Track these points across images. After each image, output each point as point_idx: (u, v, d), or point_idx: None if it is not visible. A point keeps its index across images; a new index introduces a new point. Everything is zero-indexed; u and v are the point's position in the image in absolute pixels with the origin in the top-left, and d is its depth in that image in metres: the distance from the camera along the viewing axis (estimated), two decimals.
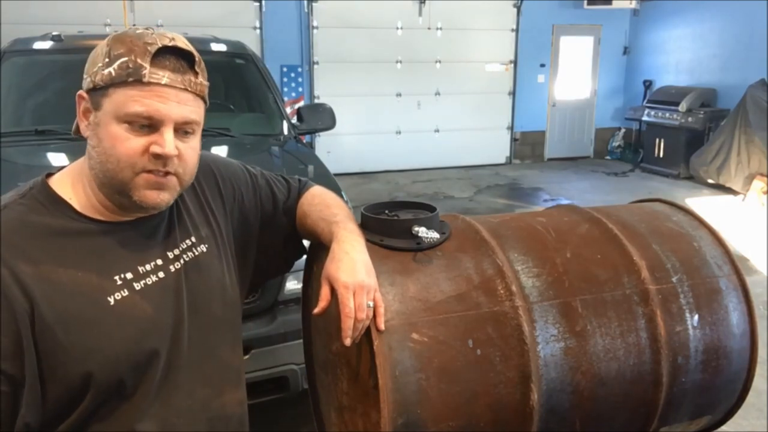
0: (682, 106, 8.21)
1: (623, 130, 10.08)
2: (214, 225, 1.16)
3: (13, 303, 0.89)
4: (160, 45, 0.94)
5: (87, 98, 0.97)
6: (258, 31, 8.03)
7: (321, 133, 6.45)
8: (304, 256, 1.41)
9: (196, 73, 0.98)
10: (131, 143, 0.94)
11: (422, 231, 1.21)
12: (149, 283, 1.01)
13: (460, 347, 1.11)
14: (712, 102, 8.40)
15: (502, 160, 9.66)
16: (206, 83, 1.01)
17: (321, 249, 1.22)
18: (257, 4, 7.98)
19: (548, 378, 1.15)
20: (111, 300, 0.96)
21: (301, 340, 1.50)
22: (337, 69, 8.44)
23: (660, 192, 7.44)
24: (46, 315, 0.90)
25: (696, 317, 1.28)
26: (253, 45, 6.68)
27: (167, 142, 0.94)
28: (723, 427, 1.44)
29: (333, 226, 1.17)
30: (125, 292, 0.98)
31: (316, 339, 1.43)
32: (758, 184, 6.96)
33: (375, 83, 8.69)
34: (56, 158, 2.86)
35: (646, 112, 8.92)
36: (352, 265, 1.08)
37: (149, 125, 0.94)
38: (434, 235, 1.21)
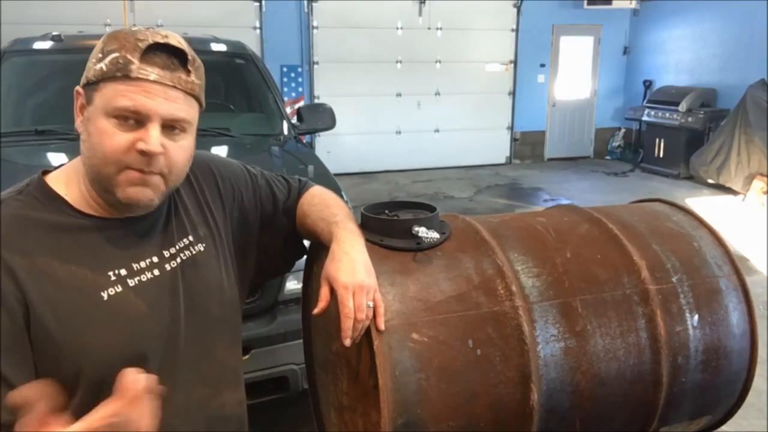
0: (682, 106, 8.21)
1: (623, 130, 10.08)
2: (212, 225, 1.16)
3: (8, 296, 0.89)
4: (152, 42, 0.94)
5: (82, 94, 0.98)
6: (258, 31, 8.03)
7: (321, 133, 6.45)
8: (304, 256, 1.41)
9: (188, 72, 0.98)
10: (117, 138, 0.94)
11: (422, 231, 1.21)
12: (144, 280, 1.01)
13: (460, 347, 1.11)
14: (712, 102, 8.40)
15: (502, 160, 9.66)
16: (198, 82, 1.00)
17: (321, 249, 1.22)
18: (257, 4, 7.98)
19: (548, 378, 1.15)
20: (104, 295, 0.96)
21: (301, 340, 1.50)
22: (337, 69, 8.44)
23: (660, 192, 7.44)
24: (40, 307, 0.91)
25: (696, 317, 1.28)
26: (253, 45, 6.68)
27: (152, 138, 0.94)
28: (723, 427, 1.44)
29: (333, 226, 1.17)
30: (119, 288, 0.98)
31: (316, 339, 1.43)
32: (758, 184, 6.96)
33: (375, 83, 8.69)
34: (56, 158, 2.86)
35: (646, 112, 8.92)
36: (352, 265, 1.07)
37: (136, 121, 0.94)
38: (434, 235, 1.21)
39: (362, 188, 7.76)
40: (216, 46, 3.87)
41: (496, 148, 9.61)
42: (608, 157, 10.12)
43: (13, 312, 0.89)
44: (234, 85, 3.93)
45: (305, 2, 8.15)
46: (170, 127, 0.97)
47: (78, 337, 0.93)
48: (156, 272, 1.03)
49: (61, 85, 3.29)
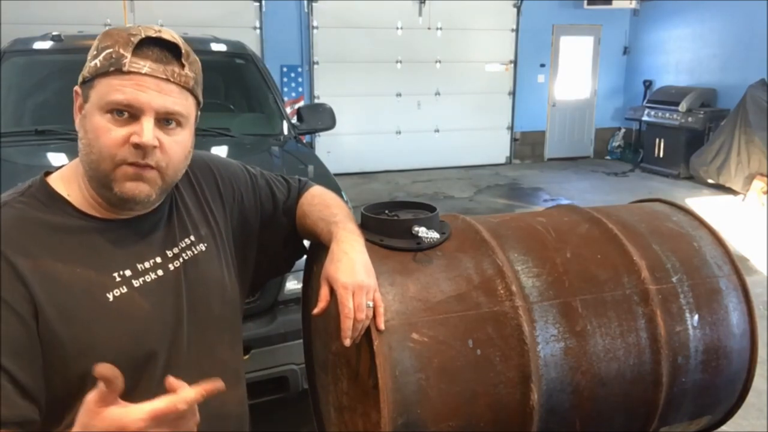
0: (682, 106, 8.21)
1: (623, 130, 10.08)
2: (213, 224, 1.16)
3: (16, 297, 0.89)
4: (144, 36, 0.94)
5: (80, 93, 0.98)
6: (258, 31, 8.03)
7: (321, 133, 6.45)
8: (304, 256, 1.41)
9: (182, 65, 0.98)
10: (112, 134, 0.94)
11: (422, 231, 1.21)
12: (148, 280, 1.01)
13: (460, 347, 1.11)
14: (712, 102, 8.40)
15: (502, 160, 9.66)
16: (193, 75, 1.00)
17: (321, 249, 1.22)
18: (257, 4, 7.98)
19: (548, 378, 1.15)
20: (110, 296, 0.96)
21: (301, 340, 1.50)
22: (337, 69, 8.44)
23: (660, 192, 7.44)
24: (47, 309, 0.91)
25: (696, 317, 1.28)
26: (253, 45, 6.68)
27: (145, 131, 0.94)
28: (723, 427, 1.44)
29: (332, 226, 1.17)
30: (124, 289, 0.98)
31: (316, 339, 1.43)
32: (758, 184, 6.96)
33: (375, 83, 8.69)
34: (56, 158, 2.86)
35: (646, 112, 8.92)
36: (351, 265, 1.07)
37: (131, 115, 0.94)
38: (434, 235, 1.21)
39: (362, 188, 7.76)
40: (216, 46, 3.87)
41: (496, 148, 9.61)
42: (608, 157, 10.12)
43: (23, 312, 0.89)
44: (234, 85, 3.92)
45: (305, 2, 8.15)
46: (165, 120, 0.97)
47: (84, 338, 0.93)
48: (160, 272, 1.03)
49: (61, 85, 3.29)
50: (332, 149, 8.18)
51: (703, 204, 6.94)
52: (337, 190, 2.17)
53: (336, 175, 3.16)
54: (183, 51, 0.98)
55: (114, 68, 0.93)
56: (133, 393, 0.98)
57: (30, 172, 1.05)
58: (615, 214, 1.43)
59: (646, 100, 9.24)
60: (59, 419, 0.95)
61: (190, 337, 1.06)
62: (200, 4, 7.59)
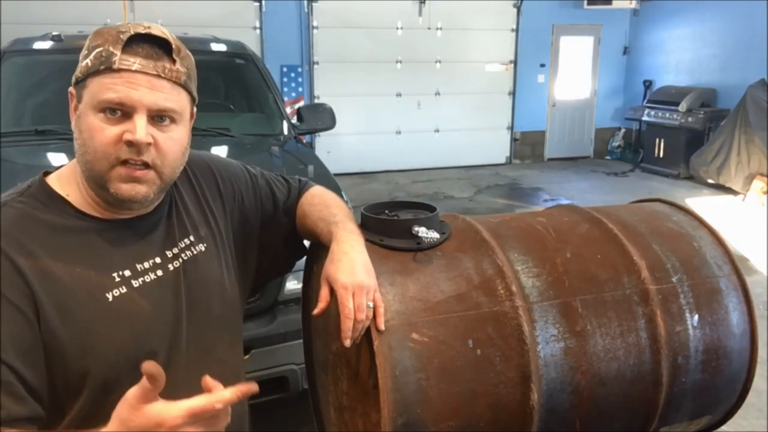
0: (682, 106, 8.21)
1: (623, 130, 10.08)
2: (213, 225, 1.16)
3: (18, 294, 0.89)
4: (133, 33, 0.94)
5: (74, 94, 0.98)
6: (258, 31, 8.03)
7: (321, 133, 6.44)
8: (304, 256, 1.41)
9: (173, 61, 0.97)
10: (106, 132, 0.93)
11: (422, 231, 1.21)
12: (147, 280, 1.01)
13: (460, 347, 1.11)
14: (712, 102, 8.40)
15: (502, 160, 9.66)
16: (185, 70, 0.99)
17: (321, 249, 1.22)
18: (257, 4, 7.98)
19: (548, 378, 1.15)
20: (109, 296, 0.96)
21: (301, 340, 1.50)
22: (337, 69, 8.44)
23: (660, 192, 7.44)
24: (47, 309, 0.91)
25: (696, 317, 1.28)
26: (253, 45, 6.68)
27: (138, 128, 0.93)
28: (723, 427, 1.44)
29: (332, 227, 1.17)
30: (123, 289, 0.98)
31: (316, 339, 1.43)
32: (758, 184, 6.96)
33: (375, 83, 8.69)
34: (56, 158, 2.86)
35: (646, 112, 8.92)
36: (351, 265, 1.07)
37: (123, 113, 0.94)
38: (434, 235, 1.21)
39: (362, 188, 7.76)
40: (216, 46, 3.86)
41: (496, 148, 9.61)
42: (608, 157, 10.12)
43: (26, 310, 0.89)
44: (234, 85, 3.92)
45: (305, 2, 8.15)
46: (158, 117, 0.96)
47: (84, 338, 0.93)
48: (159, 273, 1.03)
49: (61, 85, 3.26)
50: (332, 149, 8.18)
51: (703, 204, 6.94)
52: (337, 190, 2.17)
53: (336, 175, 3.16)
54: (174, 46, 0.97)
55: (104, 66, 0.92)
56: None
57: (30, 172, 1.05)
58: (615, 214, 1.43)
59: (646, 100, 9.24)
60: (59, 418, 0.95)
61: (190, 337, 1.05)
62: (200, 4, 7.59)
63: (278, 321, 2.34)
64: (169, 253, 1.06)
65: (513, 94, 9.50)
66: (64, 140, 2.86)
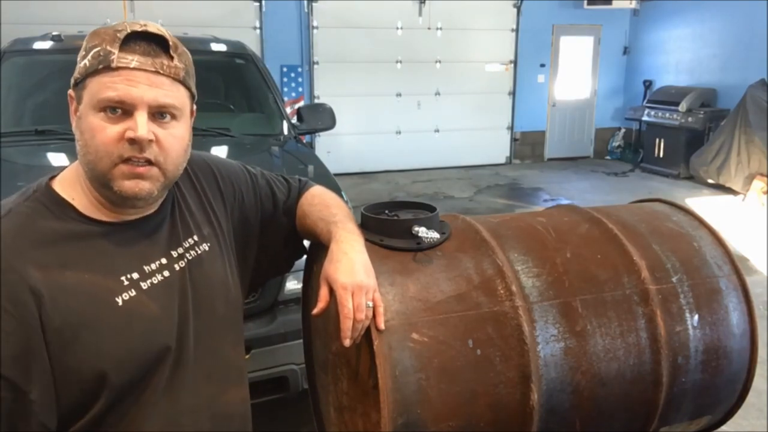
0: (682, 106, 8.21)
1: (623, 130, 10.08)
2: (215, 224, 1.16)
3: (22, 308, 0.88)
4: (130, 31, 0.94)
5: (73, 95, 0.98)
6: (258, 31, 8.03)
7: (321, 133, 6.44)
8: (304, 256, 1.41)
9: (171, 57, 0.97)
10: (107, 131, 0.94)
11: (422, 231, 1.21)
12: (155, 282, 1.01)
13: (460, 347, 1.11)
14: (712, 102, 8.40)
15: (502, 160, 9.66)
16: (183, 66, 0.99)
17: (321, 249, 1.22)
18: (257, 4, 7.98)
19: (548, 378, 1.15)
20: (119, 300, 0.96)
21: (301, 340, 1.50)
22: (337, 69, 8.43)
23: (660, 192, 7.44)
24: (56, 318, 0.90)
25: (696, 317, 1.28)
26: (253, 45, 6.68)
27: (139, 125, 0.93)
28: (723, 427, 1.44)
29: (332, 226, 1.17)
30: (133, 293, 0.98)
31: (316, 339, 1.43)
32: (758, 184, 6.96)
33: (375, 83, 8.69)
34: (56, 158, 2.86)
35: (646, 112, 8.92)
36: (351, 265, 1.07)
37: (123, 111, 0.94)
38: (434, 235, 1.21)
39: (362, 188, 7.76)
40: (216, 46, 3.86)
41: (496, 148, 9.61)
42: (608, 157, 10.11)
43: (29, 325, 0.89)
44: (234, 85, 3.92)
45: (305, 2, 8.15)
46: (159, 114, 0.97)
47: (97, 344, 0.93)
48: (166, 273, 1.04)
49: (61, 85, 3.25)
50: (332, 149, 8.18)
51: (703, 204, 6.94)
52: (337, 190, 2.17)
53: (336, 175, 3.16)
54: (171, 43, 0.97)
55: (102, 66, 0.93)
56: (144, 391, 0.99)
57: (30, 172, 1.06)
58: (615, 214, 1.43)
59: (646, 100, 9.24)
60: (75, 420, 0.96)
61: (197, 336, 1.06)
62: (200, 4, 7.58)
63: (278, 321, 2.33)
64: (174, 253, 1.06)
65: (513, 94, 9.50)
66: (64, 140, 2.85)
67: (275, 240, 1.30)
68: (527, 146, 9.84)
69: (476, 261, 1.21)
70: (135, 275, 0.99)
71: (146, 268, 1.01)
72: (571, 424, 1.20)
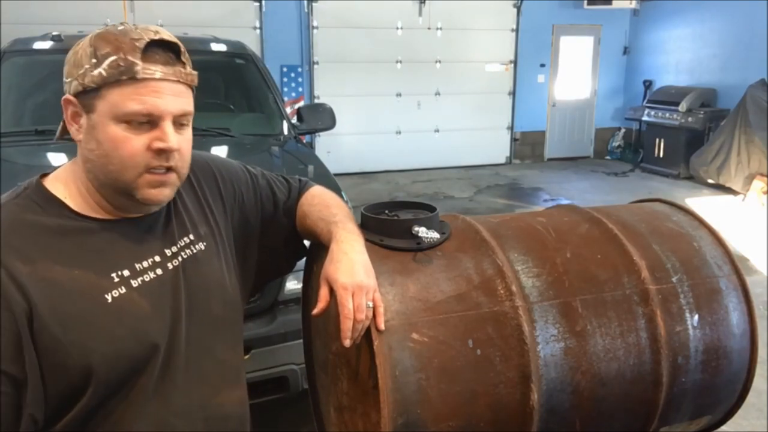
0: (682, 106, 8.21)
1: (623, 130, 10.08)
2: (213, 224, 1.16)
3: (11, 303, 0.88)
4: (147, 39, 0.94)
5: (75, 102, 0.97)
6: (258, 31, 8.03)
7: (321, 133, 6.44)
8: (305, 256, 1.41)
9: (183, 64, 0.98)
10: (133, 143, 0.94)
11: (422, 231, 1.21)
12: (147, 279, 1.01)
13: (460, 347, 1.11)
14: (712, 102, 8.40)
15: (502, 160, 9.66)
16: (194, 72, 1.01)
17: (321, 249, 1.22)
18: (257, 4, 7.98)
19: (548, 378, 1.15)
20: (108, 297, 0.96)
21: (301, 340, 1.50)
22: (337, 69, 8.43)
23: (660, 192, 7.44)
24: (44, 313, 0.90)
25: (696, 317, 1.28)
26: (253, 45, 6.68)
27: (170, 135, 0.95)
28: (723, 427, 1.44)
29: (332, 227, 1.17)
30: (123, 290, 0.98)
31: (316, 339, 1.43)
32: (758, 184, 6.96)
33: (375, 83, 8.69)
34: (56, 158, 2.86)
35: (646, 112, 8.92)
36: (351, 265, 1.07)
37: (148, 122, 0.94)
38: (434, 235, 1.21)
39: (362, 188, 7.76)
40: (216, 46, 3.86)
41: (496, 148, 9.61)
42: (608, 157, 10.11)
43: (18, 319, 0.89)
44: (234, 85, 3.92)
45: (305, 2, 8.15)
46: (178, 121, 0.98)
47: (83, 338, 0.93)
48: (159, 271, 1.03)
49: (61, 85, 3.27)
50: (332, 149, 8.18)
51: (703, 204, 6.94)
52: (337, 190, 2.17)
53: (336, 175, 3.16)
54: (181, 49, 0.98)
55: (127, 77, 0.92)
56: (132, 393, 0.99)
57: (30, 172, 1.05)
58: (615, 214, 1.43)
59: (646, 100, 9.24)
60: (62, 415, 0.95)
61: (189, 336, 1.05)
62: (200, 4, 7.58)
63: (278, 321, 2.34)
64: (168, 252, 1.06)
65: (513, 94, 9.50)
66: (63, 140, 2.85)
67: (276, 240, 1.30)
68: (527, 146, 9.84)
69: (476, 261, 1.21)
70: (126, 272, 0.99)
71: (138, 265, 1.01)
72: (571, 424, 1.20)
